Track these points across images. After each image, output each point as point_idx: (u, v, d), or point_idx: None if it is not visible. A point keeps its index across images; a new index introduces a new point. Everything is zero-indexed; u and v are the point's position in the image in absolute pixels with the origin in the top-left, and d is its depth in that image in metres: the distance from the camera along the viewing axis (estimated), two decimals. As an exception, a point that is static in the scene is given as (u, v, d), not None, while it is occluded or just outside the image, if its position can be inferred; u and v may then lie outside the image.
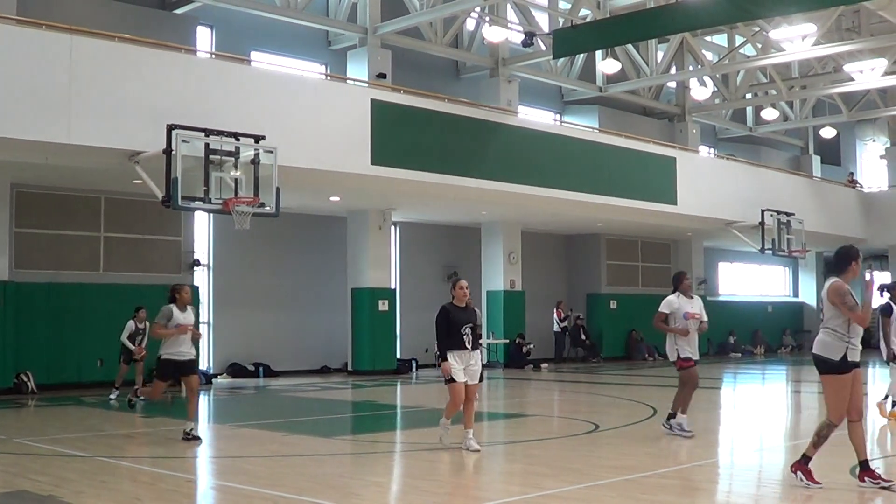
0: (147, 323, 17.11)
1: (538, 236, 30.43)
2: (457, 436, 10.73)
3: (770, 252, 28.42)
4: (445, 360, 10.60)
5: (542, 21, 27.50)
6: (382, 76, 22.82)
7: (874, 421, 13.43)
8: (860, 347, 8.27)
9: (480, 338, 11.16)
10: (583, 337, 30.50)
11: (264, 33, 23.28)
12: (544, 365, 27.66)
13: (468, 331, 10.72)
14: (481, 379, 10.87)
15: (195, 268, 22.23)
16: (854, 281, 8.51)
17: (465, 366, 10.64)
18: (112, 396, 17.19)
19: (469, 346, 10.70)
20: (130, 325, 17.21)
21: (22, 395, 18.30)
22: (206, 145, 16.20)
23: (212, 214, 20.10)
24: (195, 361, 12.49)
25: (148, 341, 16.96)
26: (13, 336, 18.73)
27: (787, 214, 28.66)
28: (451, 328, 10.74)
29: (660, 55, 29.78)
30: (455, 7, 23.04)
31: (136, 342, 17.16)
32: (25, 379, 18.75)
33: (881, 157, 40.81)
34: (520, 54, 26.81)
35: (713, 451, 11.86)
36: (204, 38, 22.67)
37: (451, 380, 10.51)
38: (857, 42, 25.91)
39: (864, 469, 8.34)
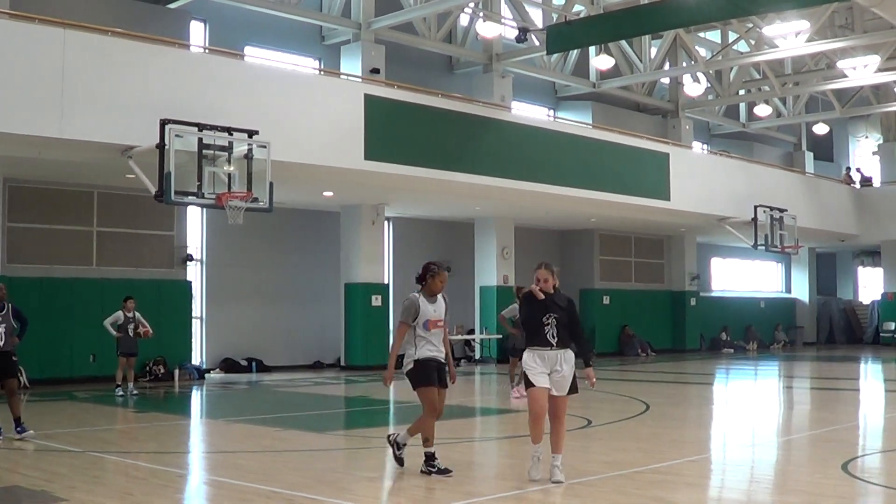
0: (136, 313, 17.17)
1: (531, 232, 30.44)
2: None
3: (763, 248, 28.50)
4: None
5: (536, 17, 27.51)
6: (376, 71, 22.80)
7: None
8: None
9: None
10: (575, 332, 30.49)
11: (258, 28, 23.24)
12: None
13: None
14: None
15: (188, 262, 22.20)
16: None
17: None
18: (120, 393, 17.11)
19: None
20: (118, 314, 17.20)
21: (14, 390, 18.24)
22: (200, 140, 16.19)
23: (205, 209, 20.06)
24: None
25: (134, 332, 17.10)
26: (5, 331, 18.67)
27: (780, 210, 28.72)
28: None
29: (653, 51, 29.81)
30: (449, 2, 23.03)
31: (125, 330, 17.13)
32: (18, 374, 18.69)
33: (874, 153, 40.93)
34: (513, 50, 26.80)
35: (705, 447, 11.87)
36: (197, 32, 22.62)
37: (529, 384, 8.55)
38: (850, 39, 25.97)
39: None
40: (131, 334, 17.18)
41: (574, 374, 8.47)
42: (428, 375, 8.89)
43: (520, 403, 15.11)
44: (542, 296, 8.55)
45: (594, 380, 8.65)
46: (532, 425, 8.48)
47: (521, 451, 11.11)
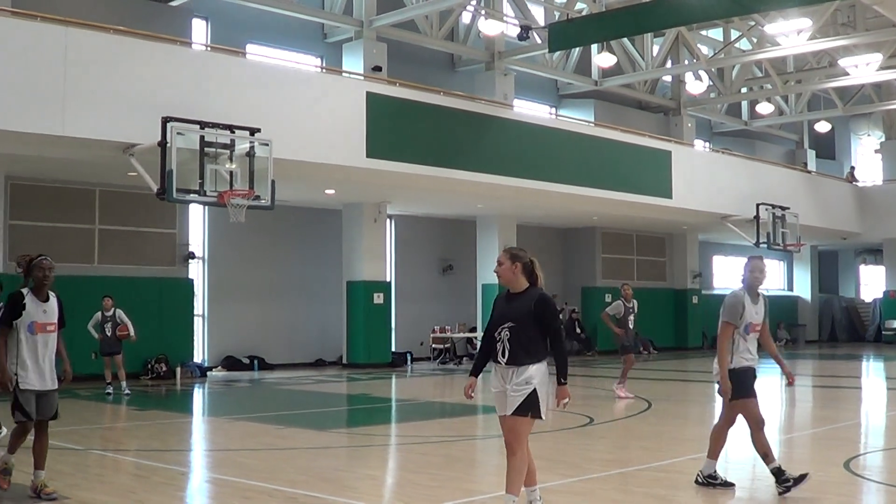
0: (115, 310, 17.00)
1: (534, 230, 30.41)
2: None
3: (765, 246, 28.45)
4: None
5: (538, 14, 27.49)
6: (378, 69, 22.79)
7: None
8: None
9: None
10: (578, 330, 30.52)
11: (260, 26, 23.24)
12: (539, 358, 27.63)
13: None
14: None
15: (190, 260, 22.20)
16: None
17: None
18: (108, 391, 17.05)
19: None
20: (97, 315, 17.10)
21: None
22: (202, 138, 16.18)
23: (207, 207, 20.09)
24: None
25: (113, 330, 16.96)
26: (7, 329, 18.67)
27: (782, 208, 28.70)
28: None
29: (655, 49, 29.79)
30: (451, 0, 23.01)
31: (102, 330, 17.01)
32: (20, 371, 18.69)
33: (876, 151, 40.89)
34: (516, 48, 26.78)
35: (707, 444, 11.85)
36: (199, 30, 22.62)
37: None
38: (853, 37, 25.94)
39: None
40: (109, 333, 16.93)
41: (533, 394, 6.67)
42: (747, 388, 7.92)
43: (623, 403, 15.23)
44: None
45: (566, 400, 6.76)
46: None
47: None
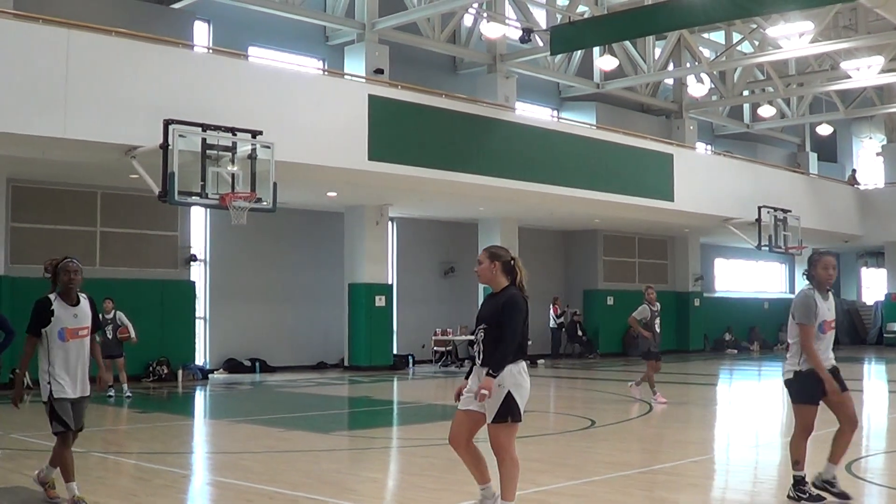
0: (115, 313, 16.94)
1: (535, 232, 30.43)
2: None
3: (767, 248, 28.47)
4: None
5: (540, 17, 27.49)
6: (380, 72, 22.80)
7: None
8: None
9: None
10: (579, 333, 30.51)
11: (262, 28, 23.25)
12: (541, 361, 27.67)
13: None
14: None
15: (192, 263, 22.21)
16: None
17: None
18: (110, 394, 17.02)
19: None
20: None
21: (18, 390, 18.23)
22: (203, 140, 16.20)
23: (209, 209, 20.07)
24: None
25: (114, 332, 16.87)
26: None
27: (784, 211, 28.70)
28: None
29: (657, 52, 29.78)
30: (453, 3, 23.01)
31: (103, 333, 16.90)
32: (21, 374, 18.69)
33: (877, 154, 40.87)
34: (517, 50, 26.79)
35: (709, 447, 11.87)
36: (201, 33, 22.64)
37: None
38: (854, 40, 25.92)
39: None
40: (110, 336, 16.79)
41: (508, 397, 6.58)
42: (812, 394, 7.65)
43: (662, 408, 15.12)
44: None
45: (483, 392, 6.48)
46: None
47: (523, 451, 11.11)
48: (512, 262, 6.86)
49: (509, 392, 6.55)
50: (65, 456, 7.45)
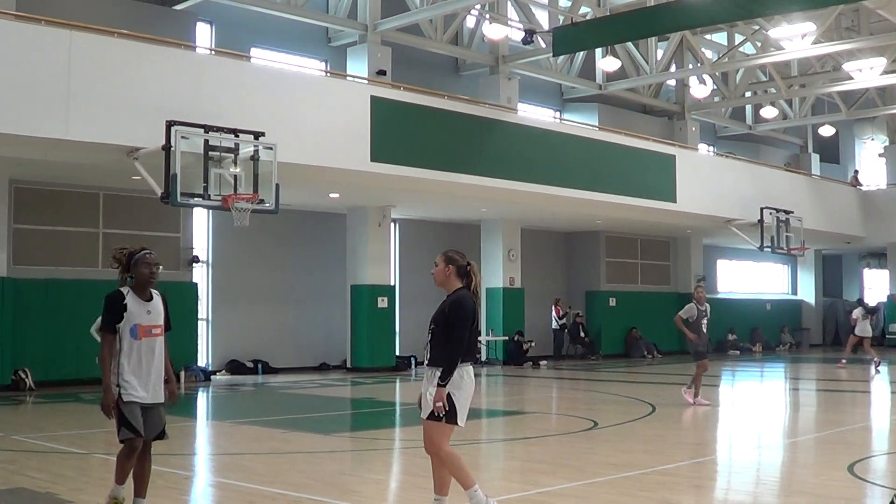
0: None
1: (538, 233, 30.43)
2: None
3: (769, 250, 28.46)
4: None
5: (543, 18, 27.48)
6: (382, 73, 22.80)
7: None
8: None
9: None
10: (582, 334, 30.49)
11: (264, 30, 23.26)
12: (543, 362, 27.65)
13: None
14: None
15: (194, 264, 22.20)
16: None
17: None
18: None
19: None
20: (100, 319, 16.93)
21: (20, 392, 18.28)
22: (206, 141, 16.18)
23: (211, 211, 20.06)
24: None
25: None
26: (11, 332, 18.69)
27: (786, 212, 28.69)
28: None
29: (659, 53, 29.77)
30: (455, 4, 23.01)
31: None
32: (24, 376, 18.71)
33: (880, 155, 40.85)
34: (520, 52, 26.79)
35: (712, 448, 11.86)
36: (203, 34, 22.64)
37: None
38: (857, 41, 25.90)
39: None
40: None
41: (447, 399, 6.68)
42: None
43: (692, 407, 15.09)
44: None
45: (439, 404, 6.58)
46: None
47: (527, 453, 11.11)
48: (468, 266, 6.95)
49: (449, 393, 6.62)
50: (133, 466, 6.88)
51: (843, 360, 25.61)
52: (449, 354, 6.66)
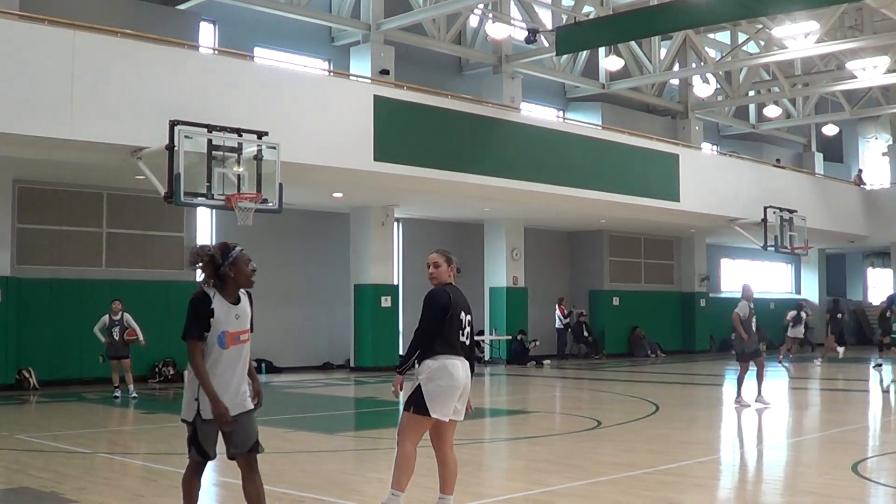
0: (123, 314, 16.91)
1: (541, 233, 30.42)
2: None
3: (772, 249, 28.45)
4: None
5: (546, 18, 27.49)
6: (385, 72, 22.81)
7: None
8: None
9: None
10: (585, 333, 30.48)
11: (267, 29, 23.27)
12: (547, 361, 27.65)
13: None
14: None
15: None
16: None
17: None
18: (116, 394, 16.99)
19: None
20: (105, 318, 16.97)
21: (24, 392, 18.31)
22: (209, 141, 16.20)
23: (214, 210, 20.05)
24: None
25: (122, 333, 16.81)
26: (15, 332, 18.73)
27: (790, 211, 28.66)
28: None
29: (663, 52, 29.77)
30: (458, 3, 23.02)
31: (110, 334, 16.86)
32: (27, 375, 18.75)
33: (883, 154, 40.82)
34: (523, 51, 26.79)
35: (715, 448, 11.85)
36: (207, 34, 22.67)
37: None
38: (860, 40, 25.89)
39: None
40: (117, 338, 16.77)
41: (417, 389, 6.76)
42: None
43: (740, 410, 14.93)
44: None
45: (395, 388, 6.97)
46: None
47: (530, 452, 11.11)
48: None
49: (419, 384, 6.76)
50: (247, 486, 6.08)
51: (782, 357, 26.31)
52: (410, 344, 6.88)
